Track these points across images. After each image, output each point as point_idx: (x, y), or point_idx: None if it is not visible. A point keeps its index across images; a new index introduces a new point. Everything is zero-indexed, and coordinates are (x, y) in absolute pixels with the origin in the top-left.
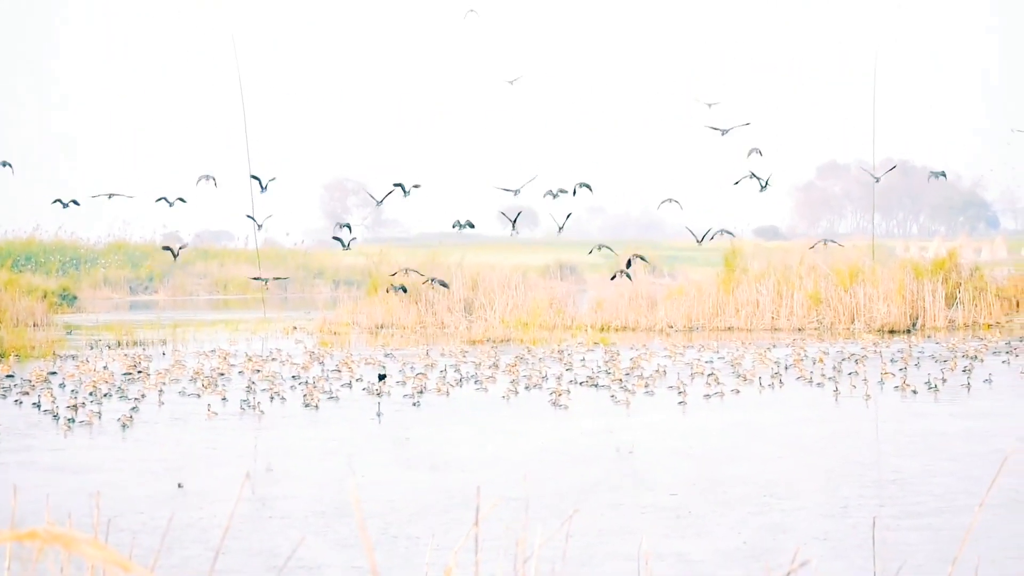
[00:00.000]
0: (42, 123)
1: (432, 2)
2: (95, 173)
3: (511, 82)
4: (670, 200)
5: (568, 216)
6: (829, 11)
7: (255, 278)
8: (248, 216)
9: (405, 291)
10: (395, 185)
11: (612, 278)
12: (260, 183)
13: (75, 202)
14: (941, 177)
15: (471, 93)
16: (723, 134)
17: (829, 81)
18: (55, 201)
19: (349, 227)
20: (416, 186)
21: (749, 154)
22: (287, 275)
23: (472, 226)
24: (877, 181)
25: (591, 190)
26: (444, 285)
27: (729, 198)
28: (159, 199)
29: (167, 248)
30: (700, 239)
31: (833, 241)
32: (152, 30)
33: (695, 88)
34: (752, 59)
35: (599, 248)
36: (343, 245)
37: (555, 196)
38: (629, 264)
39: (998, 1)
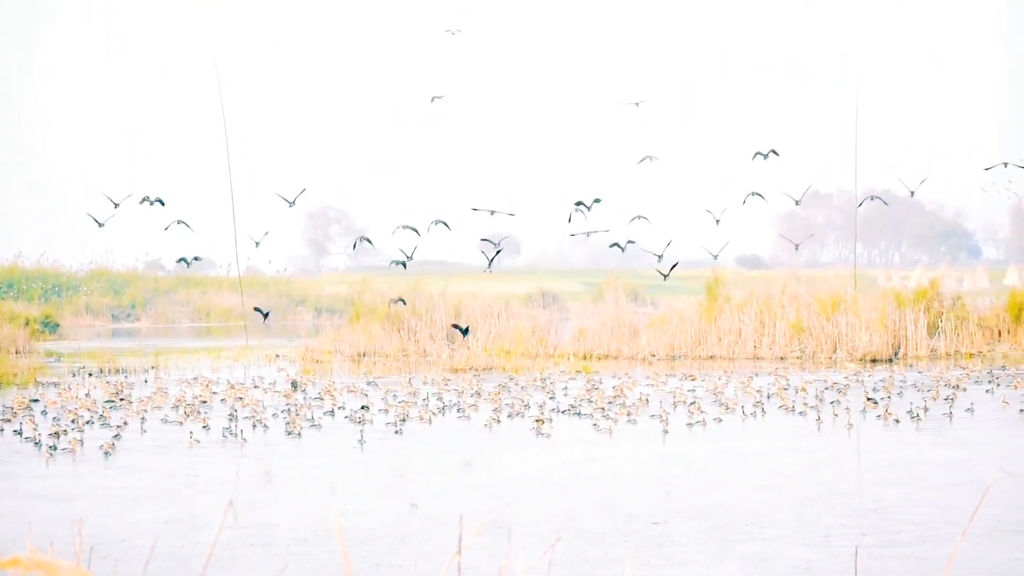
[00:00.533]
0: (15, 147)
1: (417, 22)
2: (70, 200)
3: (432, 99)
4: (639, 217)
5: (606, 232)
6: (811, 41)
7: (256, 309)
8: (249, 237)
9: (404, 303)
10: (437, 221)
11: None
12: (287, 200)
13: (97, 222)
14: (771, 154)
15: (457, 112)
16: (764, 157)
17: (811, 110)
18: (102, 224)
19: (407, 259)
20: (443, 222)
21: (640, 161)
22: (269, 304)
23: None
24: (872, 200)
25: (598, 202)
26: (463, 331)
27: (713, 226)
28: (177, 222)
29: (182, 260)
30: (716, 255)
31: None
32: (131, 53)
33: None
34: (735, 83)
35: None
36: (405, 262)
37: (585, 206)
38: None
39: (979, 34)
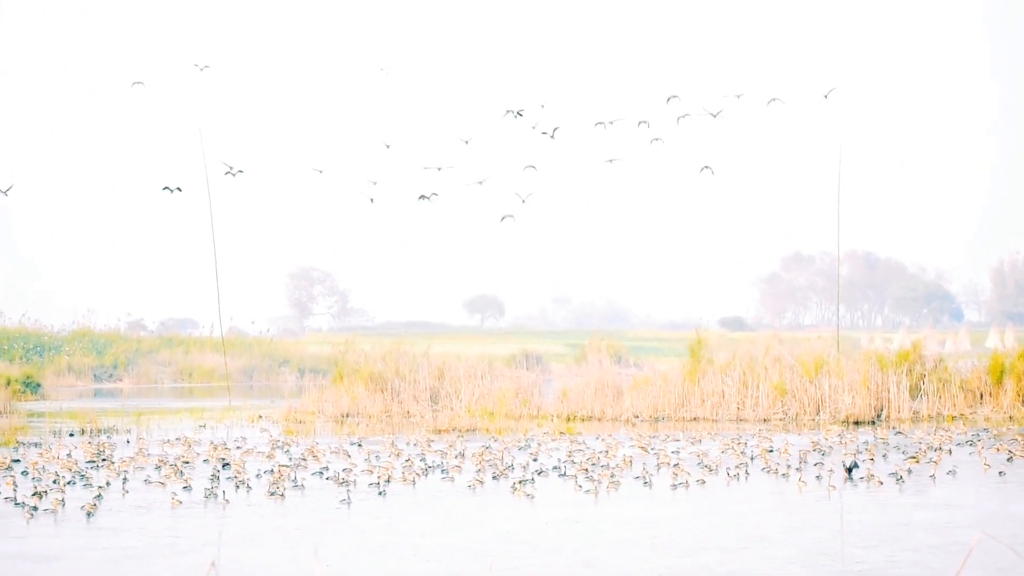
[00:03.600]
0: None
1: (404, 79)
2: (54, 264)
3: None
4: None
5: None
6: (794, 103)
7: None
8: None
9: None
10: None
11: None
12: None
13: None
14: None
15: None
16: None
17: (794, 172)
18: (164, 188)
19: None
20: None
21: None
22: (252, 363)
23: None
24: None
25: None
26: None
27: (696, 287)
28: (165, 187)
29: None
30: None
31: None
32: (111, 115)
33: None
34: (715, 150)
35: None
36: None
37: (517, 115)
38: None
39: (961, 93)
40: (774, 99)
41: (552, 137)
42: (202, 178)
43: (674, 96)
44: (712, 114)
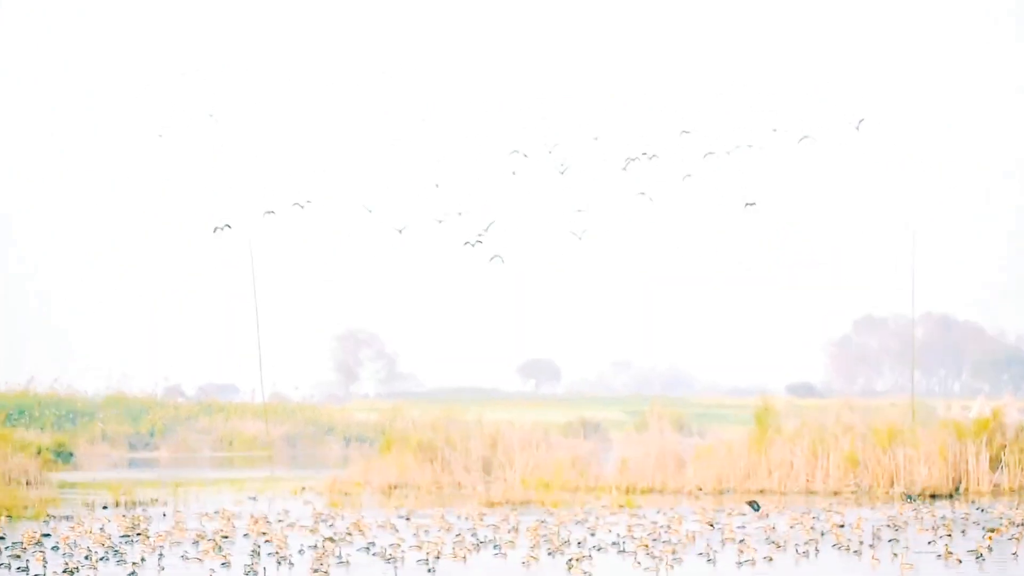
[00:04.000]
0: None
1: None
2: (87, 318)
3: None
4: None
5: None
6: (865, 167)
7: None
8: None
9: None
10: None
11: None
12: None
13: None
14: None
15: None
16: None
17: (865, 234)
18: (214, 228)
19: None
20: None
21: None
22: (296, 431)
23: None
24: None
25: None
26: None
27: (762, 353)
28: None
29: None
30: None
31: None
32: (113, 116)
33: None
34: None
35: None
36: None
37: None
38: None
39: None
40: (805, 136)
41: (562, 174)
42: (244, 242)
43: (686, 131)
44: (746, 146)
